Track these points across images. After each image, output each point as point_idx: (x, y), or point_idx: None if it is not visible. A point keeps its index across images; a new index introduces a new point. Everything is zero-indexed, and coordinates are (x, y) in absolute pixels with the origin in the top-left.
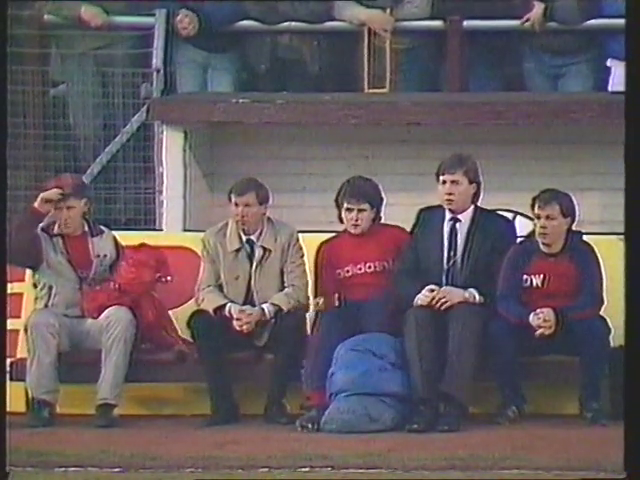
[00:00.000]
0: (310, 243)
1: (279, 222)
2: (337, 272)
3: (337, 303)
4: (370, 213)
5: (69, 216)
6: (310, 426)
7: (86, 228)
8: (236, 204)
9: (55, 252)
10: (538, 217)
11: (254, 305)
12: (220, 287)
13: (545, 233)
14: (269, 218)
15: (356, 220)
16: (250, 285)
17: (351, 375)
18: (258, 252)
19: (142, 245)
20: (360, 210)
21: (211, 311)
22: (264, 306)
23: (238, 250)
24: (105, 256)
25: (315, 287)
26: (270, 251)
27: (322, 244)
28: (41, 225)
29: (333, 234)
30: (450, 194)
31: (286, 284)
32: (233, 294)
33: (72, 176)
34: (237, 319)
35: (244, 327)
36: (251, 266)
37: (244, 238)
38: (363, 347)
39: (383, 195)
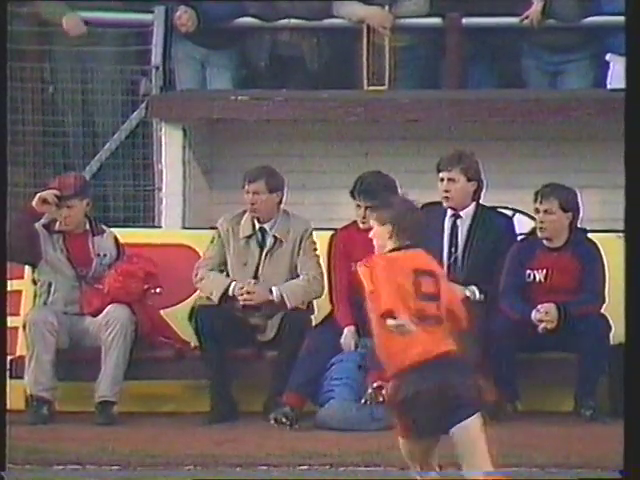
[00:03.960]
0: None
1: (295, 215)
2: (350, 264)
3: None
4: None
5: (69, 214)
6: (285, 420)
7: (88, 227)
8: (247, 191)
9: (54, 249)
10: (537, 211)
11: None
12: (221, 272)
13: (543, 227)
14: (285, 210)
15: (363, 217)
16: (257, 272)
17: (352, 386)
18: (269, 241)
19: (134, 255)
20: (367, 207)
21: (215, 293)
22: (273, 288)
23: (250, 237)
24: (105, 255)
25: (328, 276)
26: (281, 241)
27: (337, 231)
28: (42, 222)
29: (332, 231)
30: (447, 191)
31: (300, 274)
32: (239, 280)
33: (75, 175)
34: (240, 288)
35: (245, 297)
36: (261, 253)
37: (257, 226)
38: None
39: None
